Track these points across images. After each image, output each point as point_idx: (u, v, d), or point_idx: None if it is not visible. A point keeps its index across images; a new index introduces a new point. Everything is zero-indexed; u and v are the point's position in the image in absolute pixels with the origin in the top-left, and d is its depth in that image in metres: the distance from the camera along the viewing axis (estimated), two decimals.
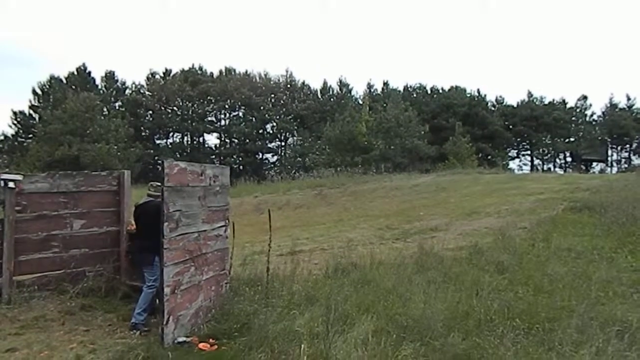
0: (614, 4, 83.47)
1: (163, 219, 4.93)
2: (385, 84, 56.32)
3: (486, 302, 5.23)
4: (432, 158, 39.42)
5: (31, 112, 49.55)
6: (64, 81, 52.46)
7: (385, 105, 40.16)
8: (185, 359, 4.53)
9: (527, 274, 6.35)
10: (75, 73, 54.05)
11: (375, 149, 32.20)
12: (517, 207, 12.42)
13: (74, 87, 49.16)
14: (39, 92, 51.14)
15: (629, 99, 56.44)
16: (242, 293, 6.27)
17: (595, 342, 4.03)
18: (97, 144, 36.09)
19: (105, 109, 51.86)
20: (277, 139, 55.15)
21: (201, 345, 4.97)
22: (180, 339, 5.02)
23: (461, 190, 17.09)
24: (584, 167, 49.86)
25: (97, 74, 55.31)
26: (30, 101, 50.14)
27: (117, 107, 54.70)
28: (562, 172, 50.03)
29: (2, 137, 48.31)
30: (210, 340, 5.07)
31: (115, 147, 38.52)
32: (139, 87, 55.19)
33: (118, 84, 57.29)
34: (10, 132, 48.51)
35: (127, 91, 56.72)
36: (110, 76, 56.86)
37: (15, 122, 49.31)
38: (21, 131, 49.37)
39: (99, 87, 55.83)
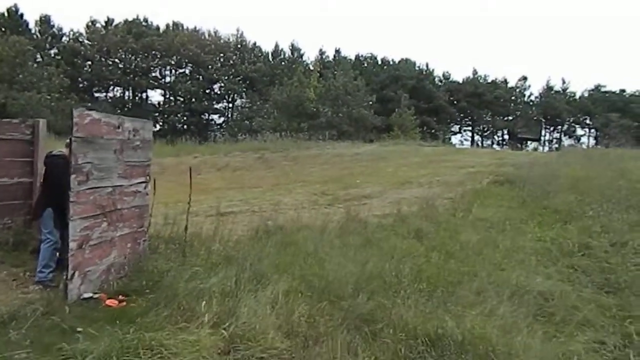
0: None
1: (71, 171, 4.71)
2: (337, 51, 55.94)
3: (398, 266, 5.42)
4: (378, 128, 39.88)
5: None
6: None
7: (335, 73, 40.02)
8: (88, 314, 4.42)
9: (442, 241, 6.62)
10: (6, 15, 49.94)
11: (322, 115, 32.15)
12: (448, 178, 12.85)
13: (3, 29, 45.45)
14: None
15: (564, 82, 59.34)
16: (160, 251, 6.18)
17: (489, 304, 4.28)
18: (28, 93, 33.80)
19: (38, 56, 48.60)
20: (224, 100, 53.84)
21: (108, 301, 4.86)
22: (87, 295, 4.89)
23: (399, 161, 17.47)
24: (519, 145, 52.29)
25: (31, 18, 51.31)
26: None
27: (52, 55, 51.32)
28: (498, 148, 52.31)
29: None
30: (120, 296, 4.97)
31: (49, 97, 36.20)
32: (77, 34, 51.77)
33: (54, 29, 53.53)
34: None
35: (64, 39, 53.16)
36: (45, 20, 52.99)
37: None
38: None
39: (33, 31, 52.03)
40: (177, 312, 4.31)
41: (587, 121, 60.30)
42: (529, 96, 60.55)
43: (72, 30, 52.02)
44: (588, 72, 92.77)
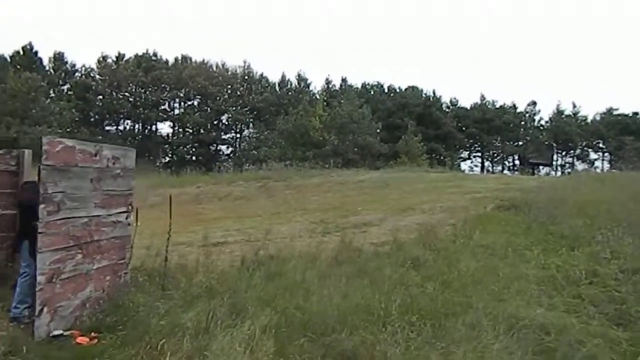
0: (565, 17, 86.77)
1: (40, 201, 4.50)
2: (344, 80, 56.36)
3: (388, 297, 5.07)
4: (384, 156, 39.68)
5: None
6: (9, 60, 49.75)
7: (341, 101, 40.17)
8: (52, 354, 4.12)
9: (439, 269, 6.26)
10: (21, 52, 51.35)
11: (328, 144, 32.05)
12: (452, 204, 12.48)
13: (18, 66, 46.60)
14: None
15: (574, 106, 58.84)
16: (142, 284, 5.90)
17: (483, 339, 3.91)
18: (39, 127, 34.29)
19: (52, 92, 49.65)
20: (232, 131, 54.21)
21: (79, 339, 4.57)
22: (57, 332, 4.60)
23: (403, 187, 17.14)
24: (531, 170, 51.64)
25: (45, 55, 52.65)
26: None
27: (65, 91, 52.46)
28: (509, 174, 51.70)
29: None
30: (92, 333, 4.68)
31: (60, 131, 36.69)
32: (89, 70, 52.95)
33: (67, 66, 54.84)
34: None
35: (77, 74, 54.44)
36: (59, 57, 54.37)
37: None
38: None
39: (47, 68, 53.32)
40: (144, 351, 4.00)
41: (601, 145, 59.52)
42: (539, 121, 60.07)
43: (83, 65, 53.19)
44: (599, 96, 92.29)
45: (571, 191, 11.33)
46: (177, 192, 18.28)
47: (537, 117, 59.77)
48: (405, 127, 43.53)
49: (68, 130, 42.02)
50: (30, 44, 50.83)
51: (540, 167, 56.01)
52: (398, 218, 11.54)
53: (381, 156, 39.51)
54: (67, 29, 75.90)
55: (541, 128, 59.42)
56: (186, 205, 15.68)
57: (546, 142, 58.19)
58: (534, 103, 59.40)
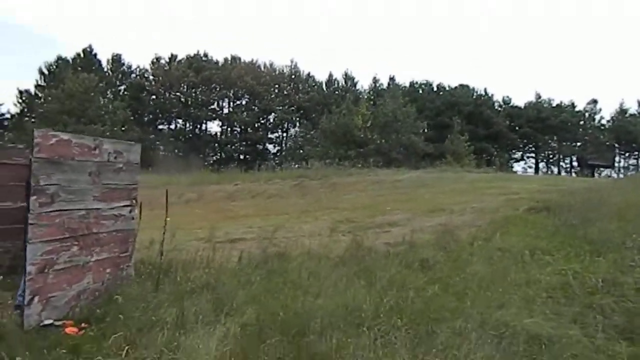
0: (629, 8, 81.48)
1: (31, 192, 4.62)
2: (392, 79, 55.57)
3: (382, 299, 4.85)
4: (430, 155, 38.82)
5: (36, 91, 49.69)
6: (71, 62, 52.57)
7: (388, 100, 39.62)
8: (35, 343, 4.20)
9: (447, 272, 5.96)
10: (82, 54, 54.11)
11: (371, 143, 31.69)
12: (485, 205, 11.95)
13: (79, 68, 49.18)
14: (45, 72, 51.24)
15: None
16: (141, 278, 5.97)
17: (465, 348, 3.63)
18: (94, 126, 36.02)
19: (109, 92, 52.05)
20: (278, 130, 54.81)
21: (69, 329, 4.65)
22: (47, 322, 4.70)
23: (441, 187, 16.63)
24: (590, 172, 48.95)
25: (104, 57, 55.20)
26: (36, 81, 50.11)
27: (121, 91, 54.83)
28: (566, 175, 49.23)
29: (8, 116, 48.60)
30: (83, 324, 4.75)
31: (114, 129, 38.42)
32: (143, 71, 55.11)
33: (124, 67, 57.27)
34: (15, 110, 48.57)
35: (133, 75, 56.78)
36: (116, 59, 56.79)
37: (19, 101, 49.41)
38: (25, 110, 49.53)
39: (105, 69, 55.92)
40: (119, 344, 4.01)
41: None
42: (600, 120, 56.80)
43: (138, 67, 55.38)
44: None
45: (615, 193, 10.54)
46: (215, 189, 18.65)
47: (597, 117, 56.57)
48: (454, 126, 42.42)
49: (123, 128, 44.03)
50: (90, 46, 53.45)
51: (601, 168, 52.99)
52: (425, 219, 11.16)
53: (427, 156, 38.68)
54: (125, 30, 79.35)
55: (602, 128, 56.11)
56: (219, 202, 15.93)
57: (607, 143, 54.94)
58: (595, 101, 56.28)
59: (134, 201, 6.13)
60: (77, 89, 36.96)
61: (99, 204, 5.46)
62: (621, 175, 51.28)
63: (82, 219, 5.19)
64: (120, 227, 5.83)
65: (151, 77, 54.29)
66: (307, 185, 18.64)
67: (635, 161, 55.75)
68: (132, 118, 48.36)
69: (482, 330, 3.96)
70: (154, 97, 53.35)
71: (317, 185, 18.50)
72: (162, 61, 55.26)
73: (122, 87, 55.82)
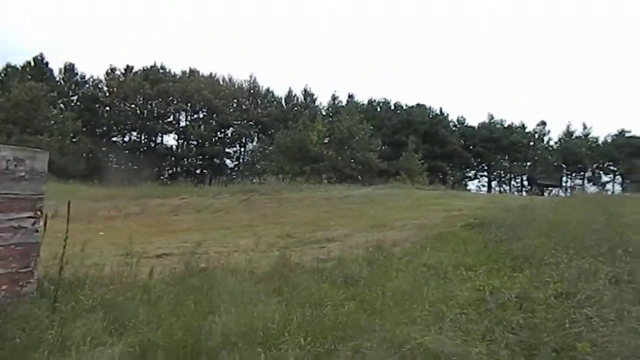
0: (578, 36, 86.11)
1: None
2: (350, 96, 56.27)
3: (292, 317, 4.65)
4: (386, 172, 39.25)
5: None
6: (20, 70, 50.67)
7: (347, 117, 39.91)
8: None
9: (368, 288, 5.82)
10: (32, 63, 52.30)
11: (326, 159, 31.74)
12: (426, 221, 12.01)
13: (29, 77, 47.40)
14: None
15: (585, 127, 57.93)
16: (48, 295, 5.55)
17: None
18: (39, 136, 34.60)
19: (61, 103, 50.37)
20: (236, 144, 54.29)
21: None
22: None
23: (387, 204, 16.70)
24: (539, 191, 50.70)
25: (56, 66, 53.53)
26: None
27: (74, 101, 53.19)
28: (516, 194, 50.76)
29: None
30: None
31: (64, 140, 37.01)
32: (97, 81, 53.68)
33: (77, 77, 55.66)
34: None
35: (86, 86, 55.20)
36: (69, 69, 55.19)
37: None
38: None
39: (57, 79, 54.18)
40: None
41: (612, 167, 58.36)
42: (548, 141, 59.31)
43: (92, 77, 53.90)
44: (611, 117, 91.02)
45: (547, 211, 10.80)
46: (159, 203, 18.08)
47: (546, 138, 59.05)
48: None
49: (73, 139, 42.57)
50: (41, 54, 51.82)
51: (550, 187, 54.99)
52: (365, 234, 11.06)
53: (382, 172, 39.08)
54: (79, 40, 77.41)
55: (550, 149, 58.57)
56: (162, 216, 15.43)
57: (555, 163, 57.31)
58: (544, 123, 58.76)
59: (38, 212, 5.72)
60: (23, 97, 35.49)
61: None
62: (568, 194, 53.42)
63: None
64: (20, 240, 5.40)
65: (105, 88, 52.95)
66: (256, 200, 18.36)
67: (580, 181, 58.19)
68: (84, 129, 46.87)
69: (384, 348, 3.82)
70: (107, 108, 51.99)
71: (265, 201, 18.26)
72: (117, 72, 54.09)
73: (75, 98, 54.19)
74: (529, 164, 57.26)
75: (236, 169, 52.35)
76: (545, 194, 49.91)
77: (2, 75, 49.13)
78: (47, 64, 52.71)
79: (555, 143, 58.49)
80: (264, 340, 4.20)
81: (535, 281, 5.68)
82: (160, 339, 4.14)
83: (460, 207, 14.76)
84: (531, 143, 57.86)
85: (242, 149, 54.61)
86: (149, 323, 4.56)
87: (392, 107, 56.47)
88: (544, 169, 55.69)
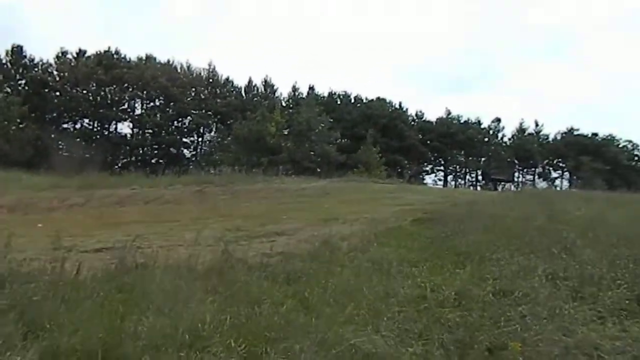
0: (533, 35, 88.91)
1: None
2: (311, 88, 55.94)
3: (224, 317, 4.45)
4: (345, 165, 39.35)
5: None
6: None
7: (306, 108, 39.66)
8: None
9: (309, 285, 5.68)
10: None
11: (284, 150, 31.47)
12: (378, 215, 12.04)
13: None
14: None
15: (537, 124, 59.97)
16: None
17: None
18: None
19: (7, 87, 47.81)
20: (194, 134, 53.14)
21: None
22: None
23: (342, 197, 16.69)
24: (492, 186, 52.15)
25: (2, 48, 50.70)
26: None
27: (22, 86, 50.56)
28: (472, 189, 52.04)
29: None
30: None
31: (5, 124, 35.10)
32: (46, 65, 51.16)
33: (26, 60, 52.84)
34: None
35: (35, 70, 52.51)
36: (17, 51, 52.29)
37: None
38: None
39: (3, 61, 51.35)
40: None
41: (561, 164, 60.69)
42: (502, 138, 61.01)
43: (41, 60, 51.34)
44: (562, 116, 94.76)
45: (493, 206, 11.00)
46: (106, 194, 17.39)
47: (500, 134, 60.68)
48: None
49: (20, 125, 40.52)
50: None
51: (502, 182, 56.66)
52: (316, 228, 10.96)
53: (341, 165, 39.15)
54: (29, 22, 73.69)
55: (504, 145, 60.28)
56: (107, 208, 14.84)
57: (508, 159, 59.09)
58: (498, 120, 60.36)
59: None
60: None
61: None
62: (519, 189, 55.23)
63: None
64: None
65: (55, 73, 50.58)
66: (209, 192, 17.95)
67: (531, 177, 60.28)
68: (32, 115, 44.66)
69: (315, 349, 3.69)
70: (57, 93, 49.66)
71: (218, 193, 17.88)
72: (69, 56, 51.74)
73: (23, 82, 51.50)
74: (483, 159, 58.78)
75: (193, 159, 51.23)
76: (499, 188, 51.45)
77: None
78: None
79: (509, 139, 60.28)
80: (192, 342, 4.00)
81: (475, 278, 5.70)
82: (78, 343, 3.86)
83: (412, 201, 14.91)
84: (486, 139, 59.35)
85: (200, 139, 53.51)
86: (70, 325, 4.27)
87: (352, 100, 56.58)
88: (498, 164, 57.33)
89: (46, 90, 49.01)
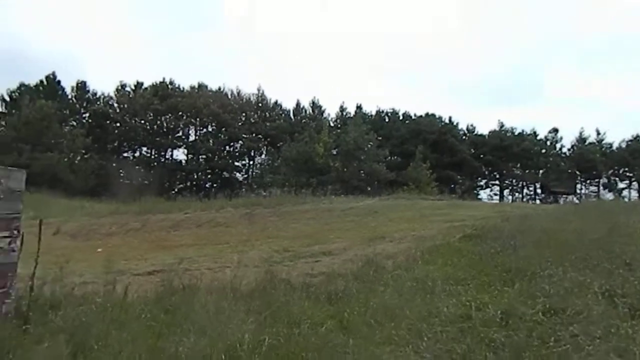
0: (589, 41, 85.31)
1: None
2: (359, 107, 56.15)
3: (257, 338, 4.48)
4: (395, 183, 38.93)
5: None
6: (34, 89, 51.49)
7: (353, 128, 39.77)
8: None
9: (351, 306, 5.61)
10: (44, 81, 53.21)
11: (332, 170, 31.57)
12: (425, 233, 11.76)
13: (42, 96, 48.18)
14: (7, 98, 50.07)
15: (598, 133, 57.02)
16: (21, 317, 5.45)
17: None
18: (50, 153, 35.02)
19: (73, 120, 51.08)
20: (245, 158, 54.45)
21: None
22: None
23: (390, 215, 16.45)
24: (553, 199, 49.90)
25: (69, 84, 54.37)
26: None
27: (85, 119, 53.86)
28: (531, 203, 49.94)
29: None
30: None
31: (71, 156, 37.41)
32: (107, 98, 54.38)
33: (89, 94, 56.41)
34: None
35: (98, 103, 55.91)
36: (81, 86, 55.97)
37: None
38: None
39: (69, 97, 54.98)
40: None
41: (628, 173, 57.16)
42: (561, 148, 58.40)
43: (103, 94, 54.61)
44: (625, 124, 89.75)
45: (549, 220, 10.49)
46: (161, 218, 18.05)
47: (558, 145, 58.15)
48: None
49: (84, 155, 43.05)
50: (53, 73, 52.71)
51: (563, 195, 54.07)
52: (363, 247, 10.86)
53: (391, 183, 38.77)
54: (91, 58, 78.74)
55: (563, 156, 57.67)
56: (161, 232, 15.38)
57: (569, 170, 56.39)
58: (556, 130, 57.93)
59: (15, 232, 5.64)
60: (34, 116, 36.03)
61: None
62: (580, 201, 52.37)
63: None
64: None
65: (116, 105, 53.61)
66: (258, 214, 18.23)
67: (595, 188, 57.13)
68: (95, 145, 47.38)
69: None
70: (118, 124, 52.54)
71: (267, 214, 18.11)
72: (127, 88, 54.78)
73: (86, 115, 54.89)
74: (541, 171, 56.40)
75: (245, 182, 52.39)
76: (560, 201, 49.12)
77: (17, 94, 49.98)
78: (59, 82, 53.63)
79: (568, 150, 57.63)
80: None
81: (524, 296, 5.43)
82: None
83: (463, 217, 14.46)
84: (543, 150, 57.06)
85: (251, 162, 54.79)
86: (116, 345, 4.42)
87: (401, 117, 56.23)
88: (557, 176, 54.82)
89: (107, 121, 51.93)
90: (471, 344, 4.40)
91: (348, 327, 4.90)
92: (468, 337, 4.54)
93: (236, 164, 53.92)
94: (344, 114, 54.72)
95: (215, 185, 50.44)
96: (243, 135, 51.95)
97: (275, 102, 55.85)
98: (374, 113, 55.64)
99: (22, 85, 50.92)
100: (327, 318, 5.29)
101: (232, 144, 53.37)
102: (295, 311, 5.45)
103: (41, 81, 52.80)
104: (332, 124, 50.49)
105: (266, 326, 4.94)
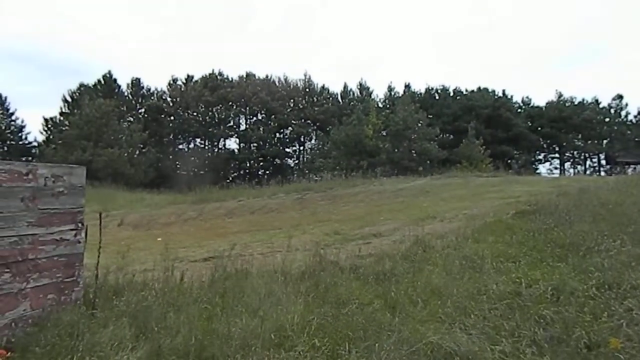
0: None
1: None
2: (407, 86, 55.20)
3: (307, 318, 4.63)
4: (447, 161, 38.12)
5: (61, 118, 51.23)
6: (92, 88, 54.12)
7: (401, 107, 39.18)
8: None
9: (400, 286, 5.66)
10: (102, 81, 55.74)
11: (382, 152, 31.32)
12: (477, 211, 11.53)
13: (100, 94, 50.63)
14: (69, 99, 52.91)
15: None
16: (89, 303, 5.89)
17: None
18: (110, 149, 36.87)
19: (130, 116, 53.34)
20: (295, 143, 54.98)
21: None
22: None
23: (442, 194, 16.21)
24: (618, 170, 47.19)
25: (124, 81, 56.71)
26: (60, 108, 51.69)
27: (141, 114, 56.12)
28: (595, 175, 47.51)
29: (35, 144, 50.44)
30: (4, 352, 4.68)
31: (130, 151, 39.25)
32: (161, 93, 56.31)
33: (144, 90, 58.67)
34: (41, 138, 50.18)
35: (152, 98, 58.08)
36: (135, 83, 58.27)
37: (45, 129, 51.03)
38: (51, 137, 51.09)
39: (126, 94, 57.40)
40: None
41: None
42: (626, 116, 54.88)
43: (156, 89, 56.63)
44: None
45: (609, 193, 10.00)
46: (216, 207, 18.67)
47: (623, 112, 54.67)
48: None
49: (142, 150, 44.97)
50: (109, 72, 55.06)
51: (631, 165, 50.98)
52: (413, 227, 10.79)
53: (444, 162, 38.01)
54: (144, 54, 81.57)
55: (629, 124, 54.21)
56: (216, 220, 15.90)
57: (636, 139, 53.01)
58: (620, 97, 54.46)
59: (79, 224, 6.07)
60: (94, 114, 37.99)
61: (36, 230, 5.42)
62: None
63: (13, 245, 5.16)
64: (63, 251, 5.77)
65: (169, 99, 55.45)
66: (309, 199, 18.47)
67: None
68: (151, 139, 49.42)
69: (397, 349, 3.69)
70: (172, 117, 54.39)
71: (318, 198, 18.32)
72: (179, 82, 56.45)
73: (142, 110, 57.19)
74: (605, 141, 53.36)
75: (296, 168, 53.03)
76: (628, 172, 46.39)
77: (77, 94, 52.76)
78: (115, 80, 56.04)
79: (635, 117, 54.11)
80: (280, 342, 4.21)
81: (577, 271, 5.27)
82: (178, 344, 4.26)
83: (518, 193, 14.05)
84: (607, 119, 53.87)
85: (301, 148, 55.27)
86: (174, 327, 4.71)
87: (451, 94, 54.73)
88: (623, 145, 51.66)
89: (162, 115, 53.87)
90: (519, 320, 4.35)
91: (394, 306, 4.96)
92: (517, 314, 4.49)
93: (287, 150, 54.62)
94: (392, 94, 53.95)
95: (267, 172, 51.42)
96: (292, 122, 52.44)
97: (323, 87, 55.95)
98: (423, 91, 54.52)
99: (81, 85, 53.69)
100: (375, 298, 5.37)
101: (281, 130, 54.02)
102: (343, 292, 5.57)
103: (99, 80, 55.41)
104: (380, 105, 49.91)
105: (314, 307, 5.10)
